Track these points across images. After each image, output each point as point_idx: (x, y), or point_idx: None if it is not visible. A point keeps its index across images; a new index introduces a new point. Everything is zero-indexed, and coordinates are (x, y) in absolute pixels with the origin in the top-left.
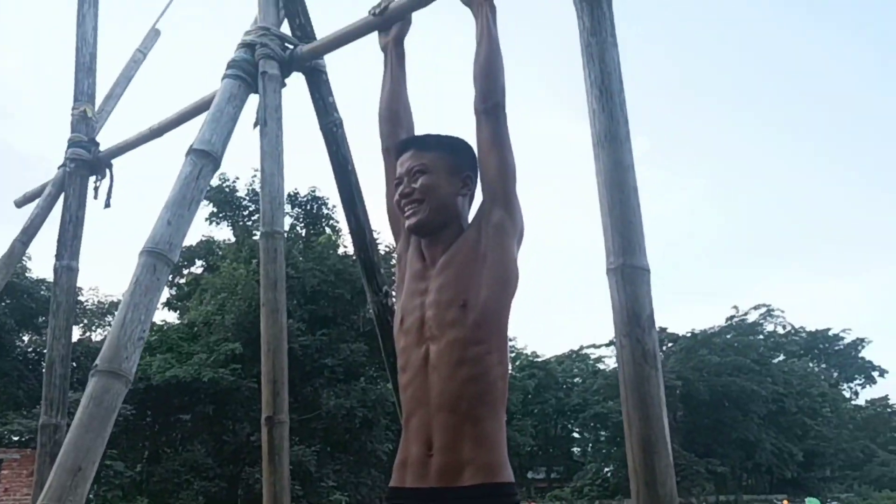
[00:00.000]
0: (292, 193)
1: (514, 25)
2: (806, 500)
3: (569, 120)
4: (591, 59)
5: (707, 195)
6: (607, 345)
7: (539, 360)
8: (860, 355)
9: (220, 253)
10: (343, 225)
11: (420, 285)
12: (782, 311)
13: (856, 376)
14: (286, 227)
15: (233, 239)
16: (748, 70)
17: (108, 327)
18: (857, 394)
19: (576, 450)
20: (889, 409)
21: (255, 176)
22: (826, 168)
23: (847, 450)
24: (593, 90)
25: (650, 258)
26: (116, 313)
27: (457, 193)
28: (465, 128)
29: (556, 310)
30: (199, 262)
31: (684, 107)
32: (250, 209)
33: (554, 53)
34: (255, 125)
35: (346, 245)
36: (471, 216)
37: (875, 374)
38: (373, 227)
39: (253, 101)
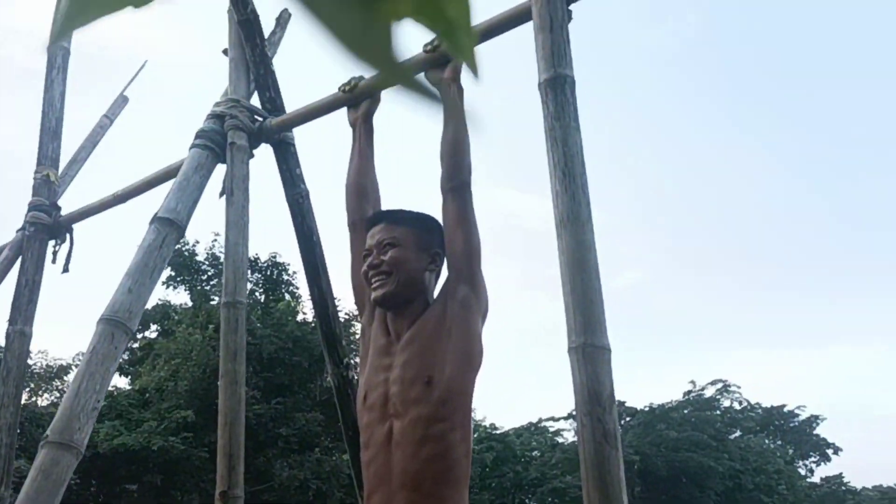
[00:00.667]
0: (253, 259)
1: (480, 107)
2: None
3: (533, 196)
4: (554, 143)
5: (665, 269)
6: (566, 418)
7: (498, 432)
8: (815, 432)
9: (177, 317)
10: (303, 291)
11: (384, 360)
12: (738, 387)
13: (811, 453)
14: None
15: (190, 303)
16: (701, 136)
17: (55, 392)
18: (812, 471)
19: None
20: (843, 488)
21: (215, 240)
22: (780, 248)
23: None
24: (556, 172)
25: (610, 334)
26: (71, 382)
27: (424, 269)
28: (432, 204)
29: (515, 380)
30: (153, 327)
31: (642, 182)
32: (209, 273)
33: (519, 135)
34: (222, 194)
35: (306, 311)
36: (436, 292)
37: (830, 451)
38: (336, 298)
39: (220, 169)
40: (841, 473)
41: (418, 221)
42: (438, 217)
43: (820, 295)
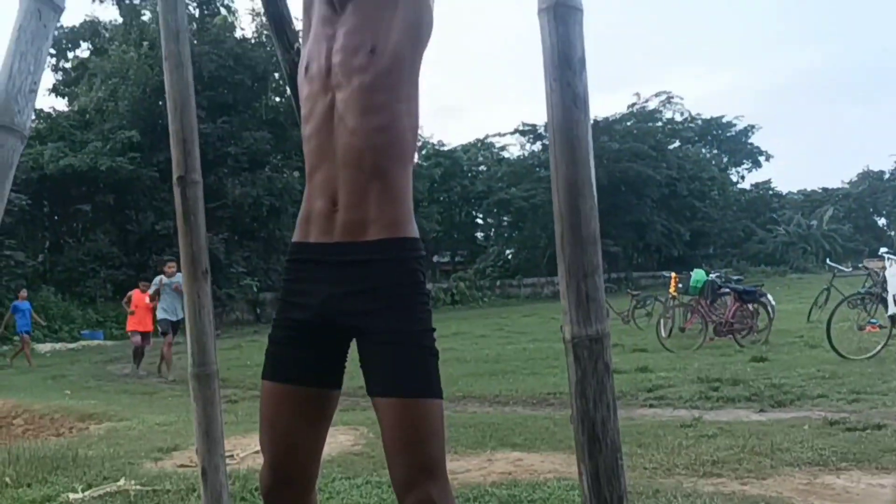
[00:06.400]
0: None
1: None
2: (693, 272)
3: None
4: None
5: None
6: (512, 133)
7: (445, 148)
8: (750, 141)
9: (108, 35)
10: (239, 4)
11: (327, 30)
12: (681, 98)
13: (744, 161)
14: None
15: (119, 20)
16: None
17: None
18: (743, 178)
19: (479, 235)
20: (770, 192)
21: None
22: None
23: (730, 229)
24: None
25: None
26: (1, 64)
27: None
28: None
29: (463, 98)
30: (84, 45)
31: None
32: None
33: None
34: None
35: (244, 27)
36: None
37: (762, 158)
38: None
39: None
40: (770, 179)
41: None
42: None
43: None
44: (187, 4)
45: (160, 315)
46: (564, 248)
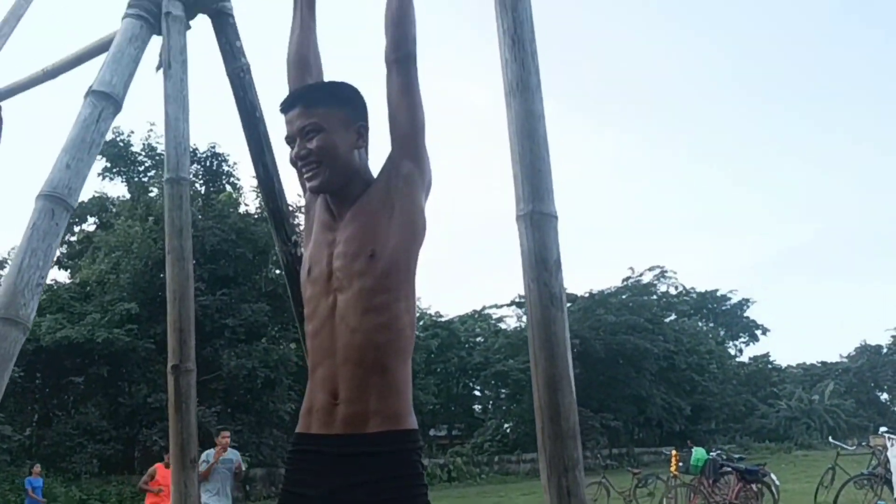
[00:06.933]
0: (191, 149)
1: None
2: (692, 450)
3: (471, 82)
4: (504, 9)
5: (602, 161)
6: (509, 305)
7: (442, 319)
8: (745, 314)
9: (114, 210)
10: (244, 182)
11: (328, 236)
12: (675, 273)
13: (741, 334)
14: None
15: (127, 195)
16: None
17: None
18: (741, 351)
19: (477, 407)
20: (770, 365)
21: (150, 130)
22: (715, 134)
23: (731, 404)
24: (506, 39)
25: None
26: (12, 259)
27: (353, 147)
28: (375, 79)
29: (461, 270)
30: (91, 220)
31: (583, 71)
32: (146, 164)
33: (466, 6)
34: (158, 68)
35: (248, 203)
36: (367, 160)
37: (758, 332)
38: (281, 176)
39: (155, 42)
40: (768, 353)
41: (336, 97)
42: (363, 88)
43: (754, 181)
44: (193, 182)
45: (209, 501)
46: (545, 442)
